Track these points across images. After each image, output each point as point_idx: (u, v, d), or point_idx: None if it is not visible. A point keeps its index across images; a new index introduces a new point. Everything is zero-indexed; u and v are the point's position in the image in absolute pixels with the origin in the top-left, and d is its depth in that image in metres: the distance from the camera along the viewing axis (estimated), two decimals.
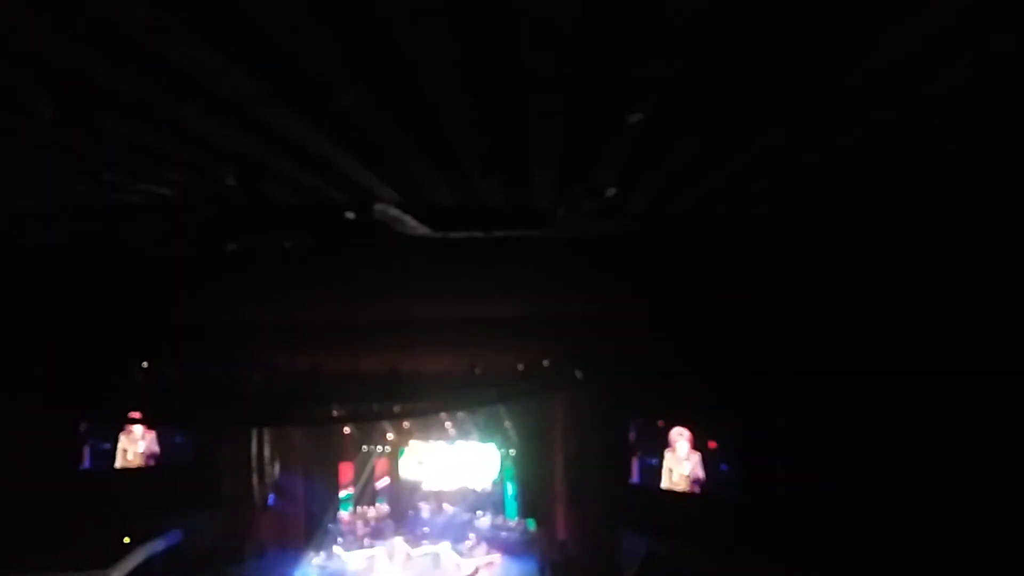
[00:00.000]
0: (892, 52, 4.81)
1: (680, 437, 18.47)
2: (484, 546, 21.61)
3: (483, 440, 22.78)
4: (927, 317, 12.57)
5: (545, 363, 19.16)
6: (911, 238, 12.25)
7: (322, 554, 21.35)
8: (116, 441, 20.50)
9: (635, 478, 19.34)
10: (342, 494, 23.17)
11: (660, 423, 18.99)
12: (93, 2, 4.21)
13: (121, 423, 19.82)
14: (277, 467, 22.07)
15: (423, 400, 18.77)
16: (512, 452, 22.47)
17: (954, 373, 12.11)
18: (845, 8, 4.22)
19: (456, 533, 22.28)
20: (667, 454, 18.55)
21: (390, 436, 23.51)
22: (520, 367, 19.07)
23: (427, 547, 21.72)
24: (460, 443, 23.24)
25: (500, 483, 23.13)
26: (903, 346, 13.15)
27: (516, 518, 22.41)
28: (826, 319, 14.53)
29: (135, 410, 17.91)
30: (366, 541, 22.16)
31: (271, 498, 21.88)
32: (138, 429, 20.46)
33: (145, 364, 18.19)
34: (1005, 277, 11.26)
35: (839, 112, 6.31)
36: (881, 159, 7.88)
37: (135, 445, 20.67)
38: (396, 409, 18.93)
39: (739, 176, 9.04)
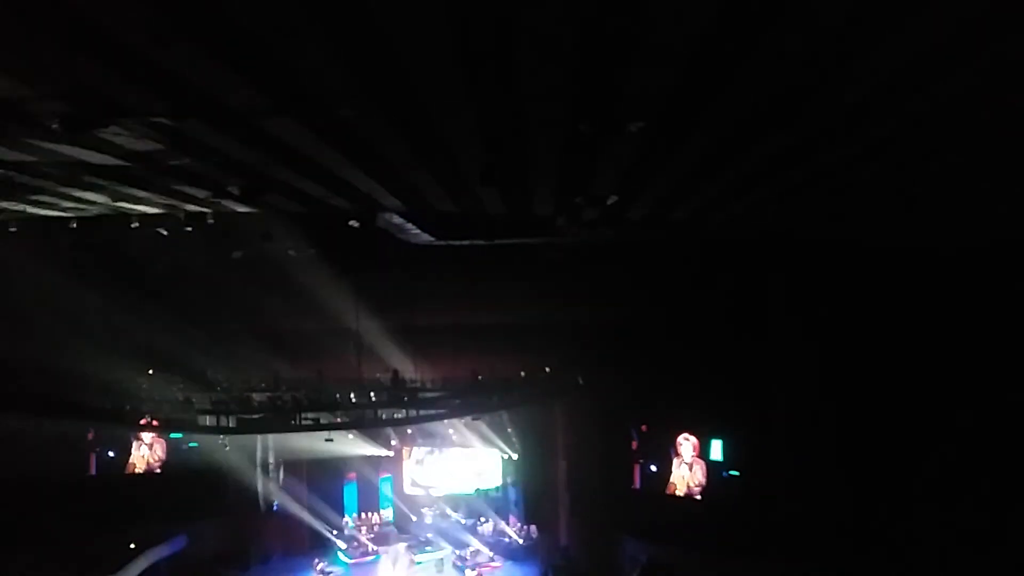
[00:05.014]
0: (886, 66, 4.91)
1: (685, 443, 18.56)
2: (487, 552, 21.65)
3: (486, 446, 22.83)
4: (923, 330, 12.65)
5: (547, 369, 19.25)
6: (907, 250, 12.33)
7: (326, 560, 21.40)
8: (122, 448, 20.66)
9: (637, 484, 19.43)
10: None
11: (663, 430, 19.06)
12: (97, 15, 4.32)
13: (128, 430, 19.93)
14: (282, 473, 22.15)
15: (426, 406, 18.84)
16: (515, 458, 22.51)
17: (949, 382, 12.19)
18: (840, 23, 4.32)
19: (459, 539, 22.32)
20: (674, 460, 18.63)
21: (394, 442, 23.56)
22: (522, 373, 19.15)
23: (430, 553, 21.78)
24: (463, 449, 23.28)
25: (503, 489, 23.17)
26: (901, 355, 13.24)
27: (519, 524, 22.44)
28: (827, 329, 14.61)
29: (141, 417, 18.01)
30: (370, 547, 22.21)
31: (275, 504, 21.96)
32: (145, 436, 20.60)
33: (151, 371, 18.32)
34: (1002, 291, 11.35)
35: (834, 126, 6.41)
36: (876, 172, 7.97)
37: (141, 452, 20.84)
38: (399, 416, 18.98)
39: (737, 186, 9.13)
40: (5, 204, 10.79)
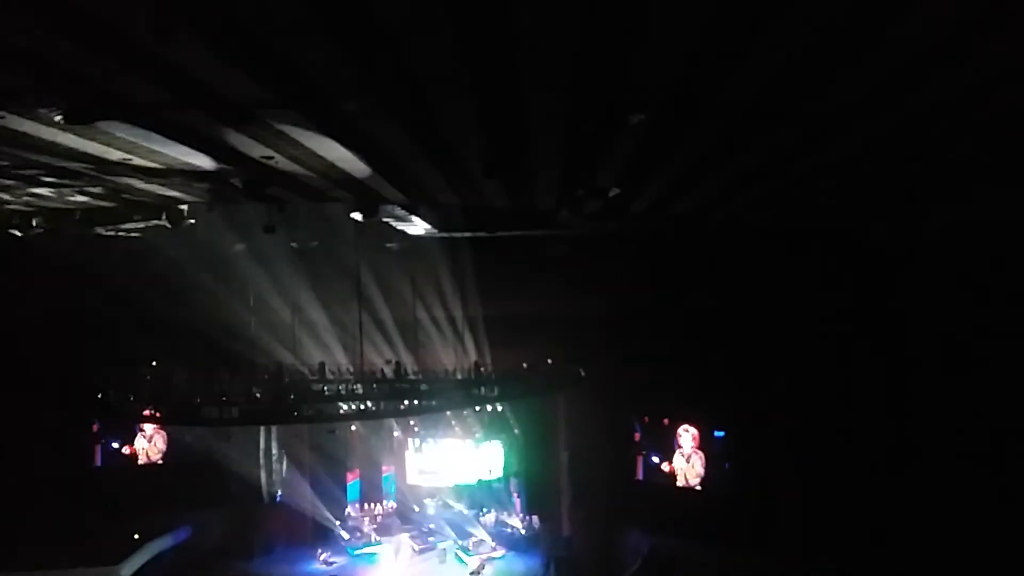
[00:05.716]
0: (886, 65, 4.91)
1: (685, 434, 18.62)
2: (489, 542, 21.74)
3: (488, 438, 22.89)
4: (925, 326, 12.66)
5: (549, 361, 19.27)
6: (908, 245, 12.32)
7: (329, 550, 21.50)
8: (127, 440, 20.80)
9: (640, 475, 19.49)
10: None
11: (665, 421, 19.13)
12: (100, 9, 4.34)
13: (132, 422, 20.02)
14: (285, 464, 22.22)
15: (428, 398, 18.87)
16: (517, 449, 22.56)
17: (950, 379, 12.20)
18: (841, 21, 4.32)
19: (461, 529, 22.41)
20: (676, 452, 18.70)
21: (396, 434, 23.63)
22: (524, 365, 19.17)
23: (433, 543, 21.88)
24: (465, 441, 23.33)
25: (505, 480, 23.23)
26: (903, 350, 13.25)
27: (521, 514, 22.52)
28: (829, 321, 14.61)
29: (145, 409, 18.08)
30: (373, 537, 22.30)
31: (279, 495, 22.05)
32: (146, 427, 20.69)
33: (155, 363, 18.35)
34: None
35: (834, 123, 6.40)
36: (876, 169, 7.96)
37: (141, 444, 20.98)
38: (402, 407, 19.01)
39: (737, 181, 9.13)
40: (6, 196, 10.82)
